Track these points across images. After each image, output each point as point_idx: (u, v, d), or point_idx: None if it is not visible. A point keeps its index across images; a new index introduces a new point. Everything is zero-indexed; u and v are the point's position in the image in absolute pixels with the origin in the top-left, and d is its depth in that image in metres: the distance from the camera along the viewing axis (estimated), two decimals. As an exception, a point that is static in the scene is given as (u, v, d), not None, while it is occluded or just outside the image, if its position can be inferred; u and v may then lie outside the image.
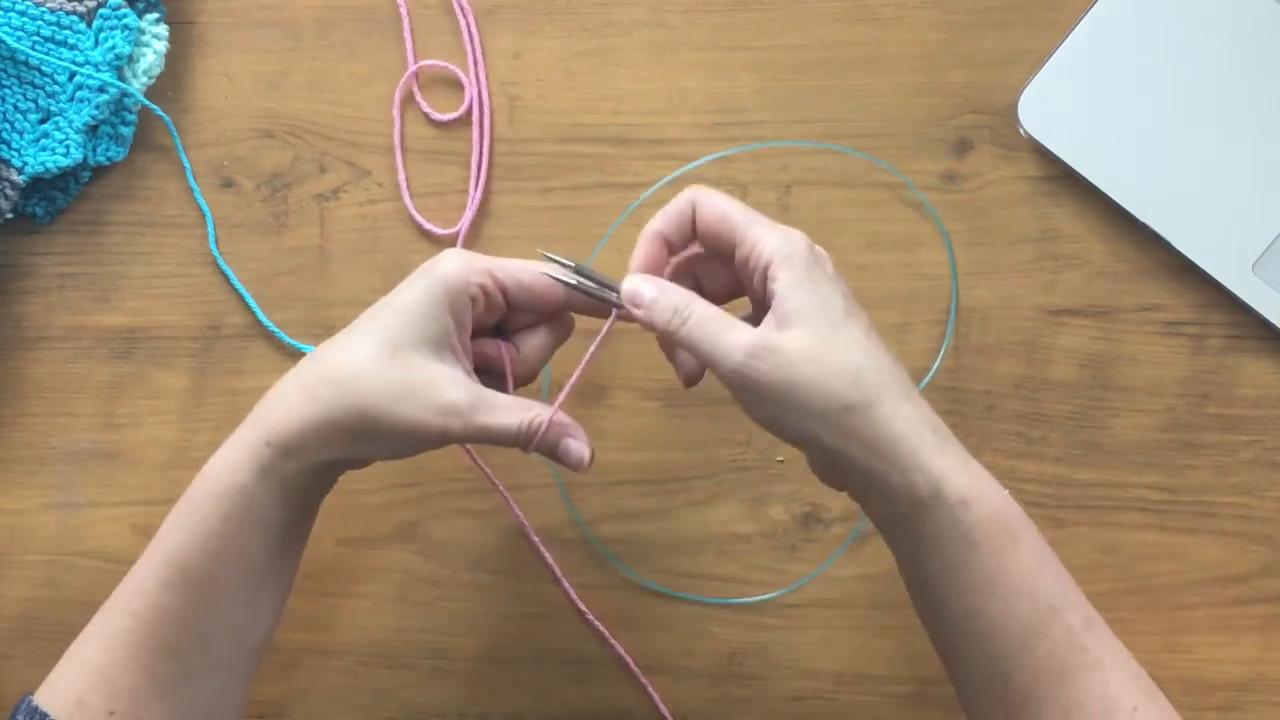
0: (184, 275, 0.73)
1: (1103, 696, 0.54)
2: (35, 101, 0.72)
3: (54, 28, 0.72)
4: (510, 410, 0.58)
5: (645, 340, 0.62)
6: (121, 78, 0.72)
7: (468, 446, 0.69)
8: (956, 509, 0.54)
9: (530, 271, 0.59)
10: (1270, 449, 0.69)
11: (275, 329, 0.72)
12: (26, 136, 0.72)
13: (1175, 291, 0.70)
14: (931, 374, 0.70)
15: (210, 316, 0.73)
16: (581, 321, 0.62)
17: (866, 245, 0.71)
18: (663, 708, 0.70)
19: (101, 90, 0.71)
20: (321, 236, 0.73)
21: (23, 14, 0.72)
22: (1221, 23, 0.69)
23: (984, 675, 0.55)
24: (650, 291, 0.57)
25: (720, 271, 0.59)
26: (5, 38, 0.71)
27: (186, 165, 0.73)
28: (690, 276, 0.60)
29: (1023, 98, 0.70)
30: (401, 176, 0.72)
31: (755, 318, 0.57)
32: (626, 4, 0.72)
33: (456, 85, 0.73)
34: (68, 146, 0.71)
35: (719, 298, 0.59)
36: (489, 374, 0.60)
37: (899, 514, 0.55)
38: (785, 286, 0.55)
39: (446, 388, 0.57)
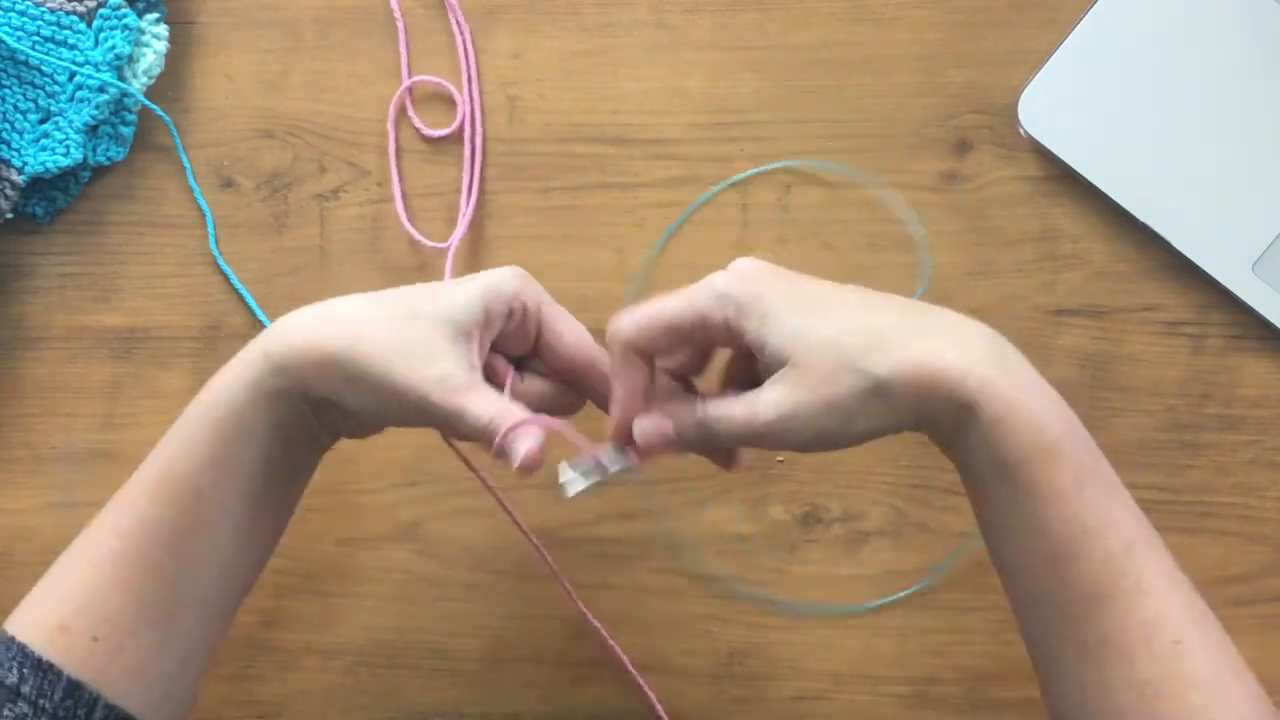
0: (184, 275, 0.73)
1: (1141, 623, 0.52)
2: (35, 101, 0.72)
3: (54, 28, 0.72)
4: (489, 404, 0.56)
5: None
6: (121, 78, 0.72)
7: (455, 446, 0.67)
8: (988, 432, 0.53)
9: (571, 329, 0.59)
10: (1270, 449, 0.69)
11: (275, 329, 0.72)
12: (26, 136, 0.72)
13: (1175, 291, 0.70)
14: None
15: (210, 316, 0.73)
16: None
17: (867, 245, 0.71)
18: (659, 708, 0.70)
19: (101, 90, 0.71)
20: (321, 236, 0.73)
21: (23, 14, 0.72)
22: (1221, 23, 0.69)
23: (1024, 592, 0.55)
24: (662, 428, 0.57)
25: (685, 358, 0.59)
26: (5, 38, 0.71)
27: (186, 165, 0.73)
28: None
29: (1023, 98, 0.70)
30: (397, 190, 0.72)
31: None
32: (627, 4, 0.72)
33: (452, 96, 0.73)
34: (68, 146, 0.71)
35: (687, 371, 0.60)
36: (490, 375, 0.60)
37: (948, 443, 0.55)
38: (755, 338, 0.54)
39: (444, 360, 0.56)
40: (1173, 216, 0.69)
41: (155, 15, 0.73)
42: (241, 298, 0.72)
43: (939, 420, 0.54)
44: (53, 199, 0.73)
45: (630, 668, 0.70)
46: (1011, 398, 0.53)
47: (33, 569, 0.72)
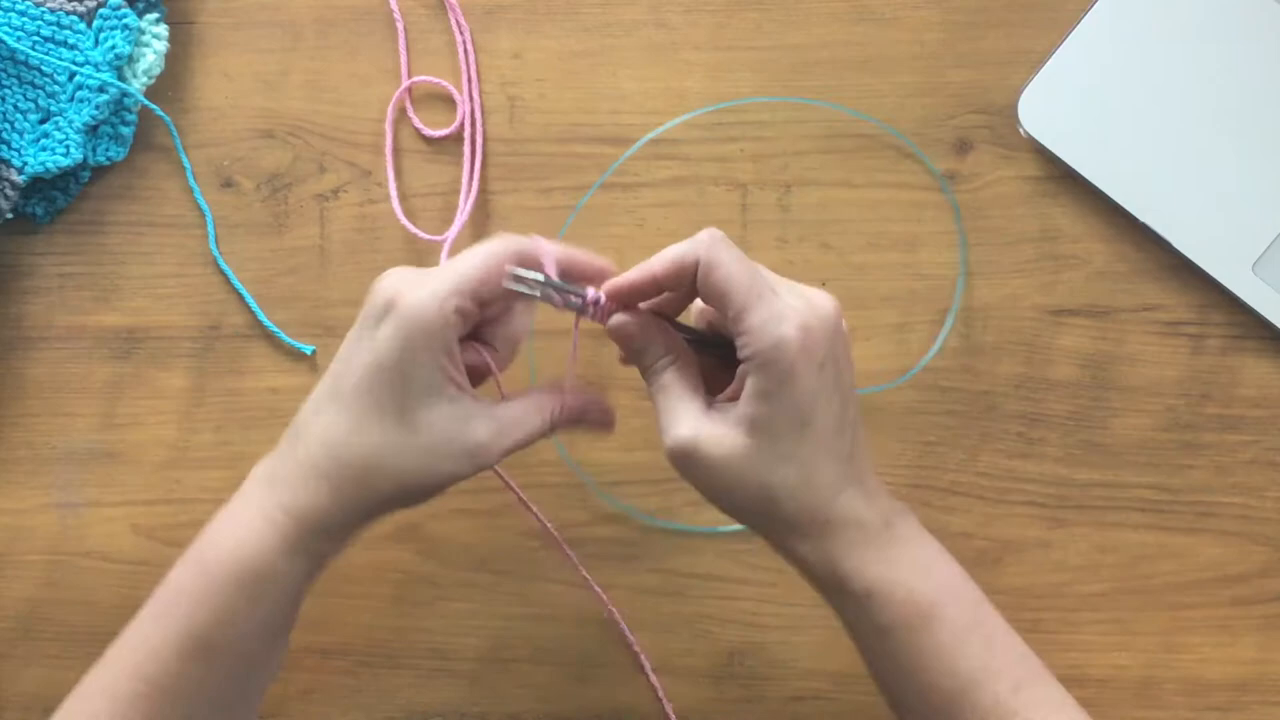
0: (184, 275, 0.73)
1: None
2: (35, 101, 0.72)
3: (54, 28, 0.72)
4: (528, 416, 0.58)
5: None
6: (121, 78, 0.72)
7: None
8: (863, 600, 0.56)
9: (489, 266, 0.57)
10: (1270, 449, 0.69)
11: (275, 329, 0.72)
12: (26, 136, 0.72)
13: (1175, 291, 0.70)
14: (918, 368, 0.70)
15: (210, 316, 0.73)
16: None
17: (867, 245, 0.71)
18: (668, 706, 0.70)
19: (101, 90, 0.71)
20: (321, 236, 0.73)
21: (23, 14, 0.72)
22: (1221, 23, 0.69)
23: None
24: (634, 331, 0.57)
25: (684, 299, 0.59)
26: (5, 38, 0.71)
27: (186, 165, 0.73)
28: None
29: (1023, 98, 0.70)
30: (393, 189, 0.72)
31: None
32: (626, 4, 0.72)
33: (452, 96, 0.73)
34: (68, 146, 0.71)
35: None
36: (470, 370, 0.59)
37: (822, 592, 0.58)
38: (751, 392, 0.55)
39: (467, 430, 0.56)
40: (1173, 216, 0.69)
41: (155, 15, 0.73)
42: (241, 298, 0.72)
43: (814, 571, 0.57)
44: (53, 199, 0.73)
45: (648, 669, 0.70)
46: (882, 574, 0.56)
47: (33, 569, 0.72)
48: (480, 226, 0.72)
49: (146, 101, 0.72)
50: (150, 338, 0.73)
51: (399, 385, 0.56)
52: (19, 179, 0.71)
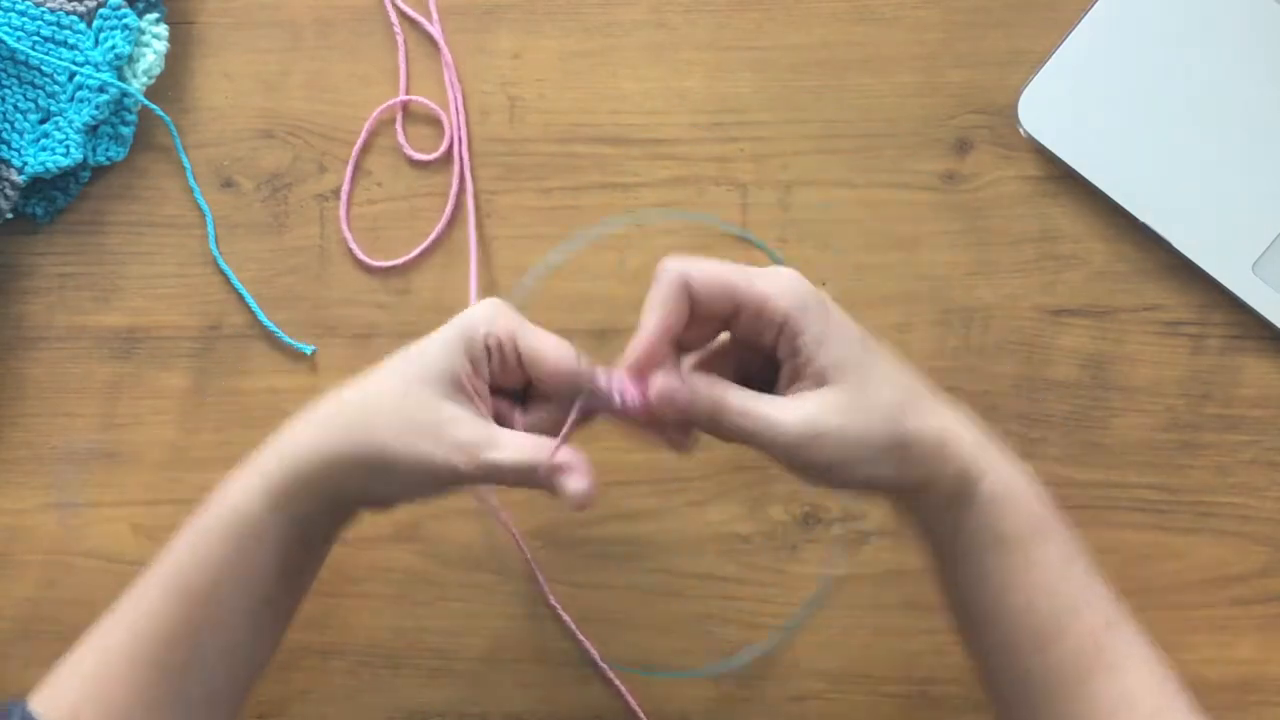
0: (184, 275, 0.73)
1: (1120, 695, 0.54)
2: (35, 101, 0.72)
3: (54, 28, 0.72)
4: (519, 446, 0.56)
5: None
6: (121, 78, 0.72)
7: None
8: (989, 505, 0.55)
9: (549, 347, 0.57)
10: (1270, 449, 0.69)
11: (275, 329, 0.72)
12: (26, 136, 0.72)
13: (1175, 291, 0.70)
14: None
15: (210, 316, 0.73)
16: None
17: (866, 245, 0.71)
18: (636, 708, 0.70)
19: (101, 90, 0.71)
20: (321, 236, 0.73)
21: (23, 14, 0.72)
22: (1221, 23, 0.69)
23: (1006, 669, 0.56)
24: (681, 389, 0.56)
25: (698, 330, 0.58)
26: (5, 38, 0.71)
27: (186, 165, 0.73)
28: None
29: (1023, 98, 0.70)
30: (344, 211, 0.72)
31: (762, 368, 0.57)
32: (627, 4, 0.72)
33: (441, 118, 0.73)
34: (68, 146, 0.71)
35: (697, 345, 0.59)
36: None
37: (938, 511, 0.56)
38: (811, 343, 0.54)
39: (455, 425, 0.56)
40: (1173, 216, 0.69)
41: (155, 15, 0.73)
42: (241, 298, 0.72)
43: (941, 486, 0.56)
44: (53, 199, 0.73)
45: (605, 665, 0.70)
46: (1011, 477, 0.56)
47: (33, 569, 0.72)
48: (480, 226, 0.72)
49: (146, 101, 0.73)
50: (150, 338, 0.73)
51: (419, 364, 0.57)
52: (19, 179, 0.71)
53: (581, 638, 0.70)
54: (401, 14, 0.73)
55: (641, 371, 0.56)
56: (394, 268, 0.72)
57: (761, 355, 0.57)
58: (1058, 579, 0.55)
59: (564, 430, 0.57)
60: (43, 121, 0.72)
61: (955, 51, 0.71)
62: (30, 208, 0.73)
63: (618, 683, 0.70)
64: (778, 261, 0.70)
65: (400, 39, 0.73)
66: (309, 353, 0.72)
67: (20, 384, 0.73)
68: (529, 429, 0.59)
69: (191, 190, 0.73)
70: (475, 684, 0.71)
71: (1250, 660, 0.69)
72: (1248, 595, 0.69)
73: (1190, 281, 0.69)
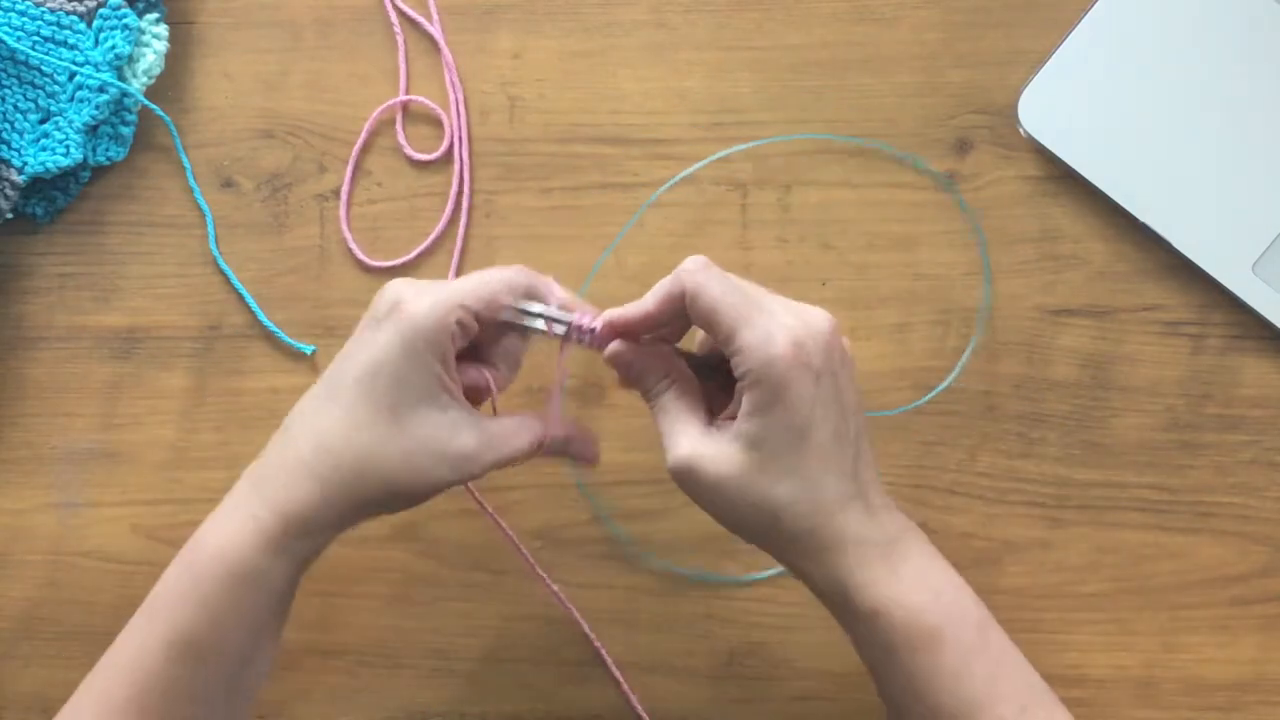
0: (184, 275, 0.73)
1: None
2: (35, 101, 0.72)
3: (54, 28, 0.72)
4: (517, 434, 0.59)
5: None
6: (121, 78, 0.72)
7: None
8: (868, 620, 0.56)
9: (492, 286, 0.58)
10: (1270, 449, 0.69)
11: (275, 329, 0.72)
12: (26, 136, 0.72)
13: (1175, 291, 0.70)
14: (953, 376, 0.70)
15: (210, 316, 0.73)
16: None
17: (866, 245, 0.71)
18: (637, 707, 0.70)
19: (101, 90, 0.71)
20: (321, 236, 0.73)
21: (23, 14, 0.72)
22: (1221, 23, 0.69)
23: None
24: (632, 362, 0.59)
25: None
26: (5, 38, 0.71)
27: (186, 165, 0.73)
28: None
29: (1023, 98, 0.70)
30: (344, 212, 0.72)
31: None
32: (627, 4, 0.72)
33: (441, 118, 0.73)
34: (68, 146, 0.71)
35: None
36: (470, 391, 0.60)
37: (830, 605, 0.58)
38: (751, 406, 0.55)
39: (455, 437, 0.57)
40: (1173, 216, 0.69)
41: (155, 15, 0.73)
42: (241, 298, 0.72)
43: (816, 587, 0.57)
44: (53, 199, 0.73)
45: (613, 667, 0.70)
46: (894, 595, 0.55)
47: (33, 569, 0.72)
48: (481, 226, 0.72)
49: (146, 101, 0.73)
50: (150, 338, 0.73)
51: (394, 386, 0.57)
52: (19, 179, 0.71)
53: (591, 635, 0.70)
54: (401, 14, 0.73)
55: (612, 330, 0.59)
56: (394, 268, 0.72)
57: None
58: (958, 679, 0.55)
59: (548, 404, 0.61)
60: (43, 121, 0.72)
61: (955, 51, 0.71)
62: (30, 208, 0.73)
63: (620, 681, 0.70)
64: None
65: (400, 39, 0.73)
66: (309, 353, 0.72)
67: (20, 384, 0.73)
68: (505, 366, 0.61)
69: (191, 190, 0.73)
70: (475, 684, 0.71)
71: (1250, 660, 0.69)
72: (1248, 595, 0.69)
73: (1190, 281, 0.69)
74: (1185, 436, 0.69)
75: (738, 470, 0.55)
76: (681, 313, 0.57)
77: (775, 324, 0.55)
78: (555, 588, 0.70)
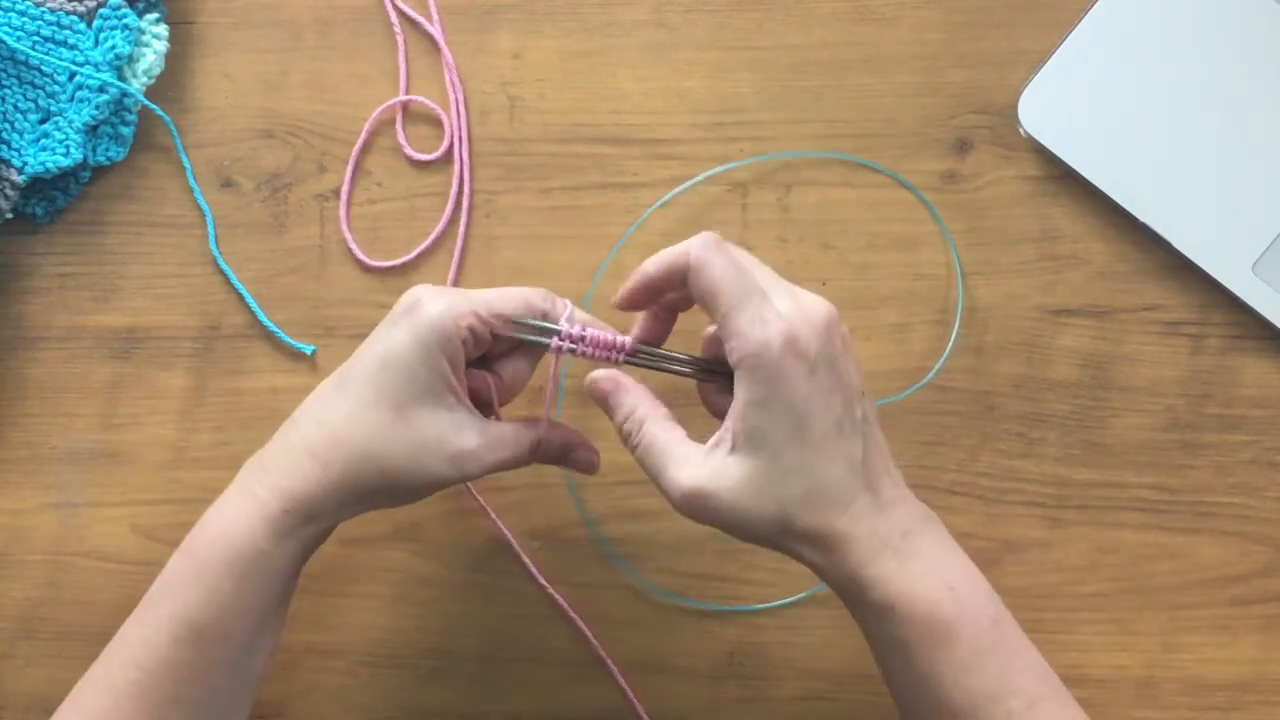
0: (184, 275, 0.73)
1: None
2: (35, 101, 0.72)
3: (54, 28, 0.72)
4: (516, 437, 0.60)
5: (645, 340, 0.62)
6: (121, 78, 0.72)
7: None
8: (882, 613, 0.55)
9: (511, 302, 0.59)
10: (1270, 449, 0.69)
11: (275, 329, 0.72)
12: (26, 136, 0.72)
13: (1175, 291, 0.70)
14: (933, 373, 0.70)
15: (210, 316, 0.73)
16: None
17: (866, 245, 0.71)
18: (640, 709, 0.70)
19: (101, 90, 0.71)
20: (321, 236, 0.73)
21: (23, 14, 0.72)
22: (1221, 23, 0.69)
23: None
24: (611, 390, 0.59)
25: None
26: (5, 38, 0.71)
27: (186, 165, 0.73)
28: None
29: (1023, 98, 0.70)
30: (344, 212, 0.72)
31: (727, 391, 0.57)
32: (627, 4, 0.72)
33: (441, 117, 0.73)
34: (68, 146, 0.71)
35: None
36: (475, 397, 0.61)
37: (843, 598, 0.58)
38: (745, 402, 0.54)
39: (457, 436, 0.58)
40: (1173, 216, 0.69)
41: (155, 15, 0.73)
42: (241, 298, 0.72)
43: (832, 583, 0.57)
44: (53, 199, 0.73)
45: (613, 667, 0.70)
46: (906, 587, 0.55)
47: (33, 569, 0.72)
48: (481, 226, 0.72)
49: (146, 101, 0.73)
50: (150, 338, 0.73)
51: (402, 380, 0.57)
52: (19, 179, 0.71)
53: (590, 636, 0.70)
54: (401, 14, 0.73)
55: (620, 305, 0.59)
56: (394, 268, 0.72)
57: None
58: (968, 675, 0.55)
59: (545, 409, 0.61)
60: (43, 121, 0.72)
61: (955, 51, 0.71)
62: (30, 208, 0.73)
63: (621, 682, 0.70)
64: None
65: (400, 39, 0.73)
66: (309, 353, 0.72)
67: (20, 384, 0.73)
68: (511, 380, 0.61)
69: (191, 190, 0.73)
70: (475, 684, 0.71)
71: (1250, 660, 0.69)
72: (1248, 595, 0.69)
73: (1190, 281, 0.69)
74: (1185, 436, 0.69)
75: (746, 479, 0.55)
76: (679, 284, 0.57)
77: (770, 310, 0.54)
78: (554, 589, 0.70)
